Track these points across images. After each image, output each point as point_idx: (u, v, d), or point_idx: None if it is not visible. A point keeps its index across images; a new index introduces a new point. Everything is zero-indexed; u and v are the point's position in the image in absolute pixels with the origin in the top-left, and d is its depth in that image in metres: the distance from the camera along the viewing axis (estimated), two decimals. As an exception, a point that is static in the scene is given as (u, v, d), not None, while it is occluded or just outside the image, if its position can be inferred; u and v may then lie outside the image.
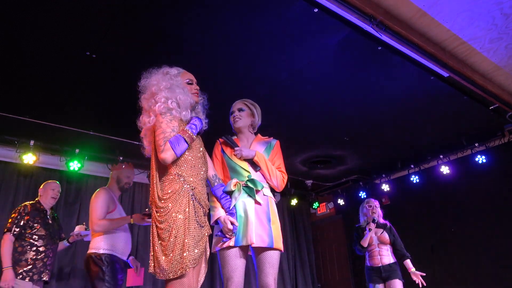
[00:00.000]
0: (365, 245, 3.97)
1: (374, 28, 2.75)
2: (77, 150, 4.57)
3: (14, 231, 3.19)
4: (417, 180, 5.72)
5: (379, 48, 3.11)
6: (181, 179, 1.87)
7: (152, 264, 1.78)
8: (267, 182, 2.42)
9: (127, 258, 3.28)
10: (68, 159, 4.55)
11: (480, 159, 5.04)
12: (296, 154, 5.38)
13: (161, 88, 2.00)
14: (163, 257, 1.74)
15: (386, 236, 3.97)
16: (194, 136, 1.95)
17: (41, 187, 3.60)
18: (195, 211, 1.85)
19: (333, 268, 6.83)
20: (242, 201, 2.27)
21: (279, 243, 2.25)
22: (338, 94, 3.87)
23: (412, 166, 5.80)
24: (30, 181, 4.55)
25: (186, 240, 1.75)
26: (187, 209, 1.81)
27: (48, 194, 3.50)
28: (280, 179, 2.44)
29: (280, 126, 4.48)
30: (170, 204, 1.80)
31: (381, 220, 4.12)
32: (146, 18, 2.73)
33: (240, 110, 2.54)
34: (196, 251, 1.77)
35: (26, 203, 3.42)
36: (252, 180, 2.32)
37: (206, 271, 1.98)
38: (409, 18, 2.87)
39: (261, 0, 2.62)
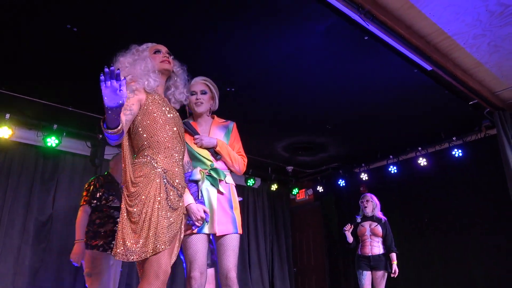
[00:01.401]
0: (350, 241, 4.33)
1: (362, 17, 2.75)
2: (55, 126, 4.46)
3: (92, 203, 3.17)
4: (395, 171, 5.84)
5: (366, 37, 3.12)
6: (153, 161, 1.82)
7: (117, 247, 1.71)
8: (229, 169, 2.42)
9: None
10: (45, 134, 4.44)
11: (457, 152, 5.17)
12: (278, 139, 5.40)
13: (122, 67, 1.92)
14: (132, 239, 1.70)
15: (379, 229, 4.27)
16: (112, 131, 1.64)
17: (111, 160, 3.58)
18: (167, 194, 1.81)
19: (309, 253, 6.96)
20: (205, 189, 2.27)
21: (240, 228, 2.31)
22: (323, 81, 3.87)
23: (391, 157, 5.90)
24: (5, 156, 4.44)
25: (157, 223, 1.72)
26: (158, 192, 1.77)
27: (120, 168, 3.45)
28: (241, 164, 2.43)
29: (263, 111, 4.48)
30: (140, 188, 1.76)
31: (378, 215, 4.40)
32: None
33: (202, 92, 2.40)
34: (168, 233, 1.75)
35: (98, 175, 3.43)
36: (215, 170, 2.32)
37: (178, 251, 1.97)
38: (396, 9, 2.87)
39: (250, -18, 2.58)
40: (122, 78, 1.60)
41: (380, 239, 4.26)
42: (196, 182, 2.20)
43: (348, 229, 4.31)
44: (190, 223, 2.09)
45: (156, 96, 1.96)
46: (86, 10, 2.78)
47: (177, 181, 1.87)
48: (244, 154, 2.49)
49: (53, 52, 3.27)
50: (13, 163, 4.47)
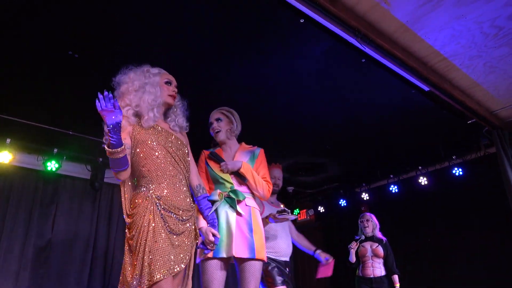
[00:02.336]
0: (352, 261, 4.24)
1: (358, 41, 2.79)
2: (55, 150, 4.47)
3: None
4: (396, 190, 5.82)
5: (363, 60, 3.16)
6: (145, 190, 1.83)
7: (120, 282, 1.75)
8: (252, 193, 2.41)
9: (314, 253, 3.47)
10: (45, 158, 4.45)
11: (457, 171, 5.16)
12: (279, 160, 5.38)
13: (130, 90, 1.94)
14: (131, 272, 1.70)
15: (380, 250, 4.18)
16: (116, 149, 1.71)
17: None
18: (164, 221, 1.78)
19: (311, 274, 6.85)
20: (224, 211, 2.26)
21: (261, 253, 2.24)
22: (321, 103, 3.91)
23: (391, 176, 5.89)
24: (5, 180, 4.43)
25: (154, 252, 1.69)
26: (152, 220, 1.75)
27: None
28: (266, 188, 2.43)
29: (263, 133, 4.49)
30: (136, 219, 1.77)
31: (379, 235, 4.32)
32: (130, 19, 2.70)
33: (218, 120, 2.50)
34: (169, 260, 1.72)
35: None
36: (234, 191, 2.31)
37: (191, 274, 1.93)
38: (392, 32, 2.92)
39: (248, 8, 2.63)
40: (127, 102, 1.78)
41: (381, 260, 4.19)
42: (213, 202, 2.21)
43: (354, 247, 4.21)
44: (202, 247, 2.07)
45: (142, 128, 1.94)
46: (86, 37, 2.83)
47: (172, 205, 1.84)
48: (269, 180, 2.49)
49: (53, 77, 3.30)
50: (13, 188, 4.45)
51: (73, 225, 4.68)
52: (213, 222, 2.13)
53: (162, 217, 1.78)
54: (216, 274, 2.16)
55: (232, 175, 2.38)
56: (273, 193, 3.21)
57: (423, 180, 5.47)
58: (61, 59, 3.04)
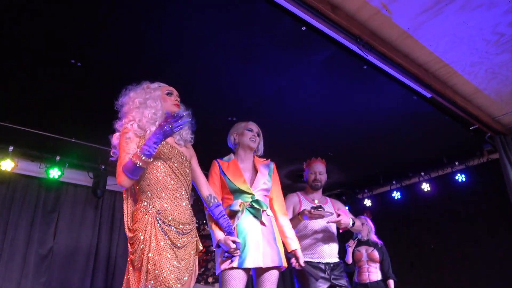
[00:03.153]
0: (349, 262, 4.12)
1: (360, 48, 2.80)
2: (57, 157, 4.48)
3: None
4: (399, 196, 5.80)
5: (365, 67, 3.17)
6: (146, 204, 1.84)
7: None
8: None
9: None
10: (48, 166, 4.45)
11: (460, 177, 5.15)
12: (281, 167, 5.37)
13: (132, 108, 1.97)
14: (134, 285, 1.71)
15: (376, 254, 4.09)
16: (149, 159, 1.78)
17: None
18: (165, 234, 1.79)
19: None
20: (247, 221, 2.26)
21: (285, 261, 2.30)
22: (323, 110, 3.91)
23: (394, 182, 5.88)
24: (8, 188, 4.43)
25: (158, 266, 1.70)
26: (154, 235, 1.76)
27: None
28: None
29: (265, 141, 4.48)
30: (137, 234, 1.78)
31: (374, 238, 4.25)
32: (133, 28, 2.71)
33: (258, 134, 2.63)
34: (173, 273, 1.72)
35: None
36: (257, 201, 2.32)
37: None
38: (394, 39, 2.93)
39: (250, 16, 2.64)
40: (130, 118, 1.89)
41: (377, 265, 4.09)
42: (234, 213, 2.22)
43: (351, 245, 4.12)
44: (229, 256, 2.08)
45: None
46: (88, 45, 2.84)
47: (171, 218, 1.84)
48: (282, 196, 2.63)
49: (55, 85, 3.32)
50: (15, 195, 4.45)
51: (75, 232, 4.66)
52: (230, 229, 2.13)
53: (162, 231, 1.79)
54: (240, 284, 2.14)
55: (256, 188, 2.39)
56: (314, 188, 3.11)
57: (425, 186, 5.45)
58: (64, 67, 3.05)
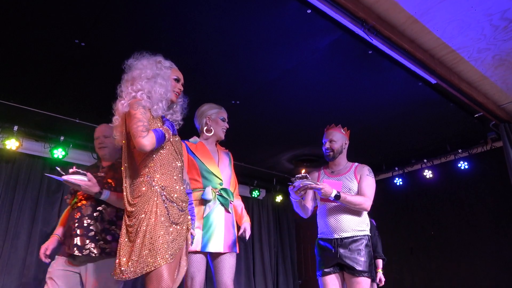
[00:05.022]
0: None
1: (366, 32, 2.77)
2: (62, 138, 4.50)
3: None
4: (401, 183, 5.81)
5: (370, 52, 3.14)
6: (150, 179, 1.85)
7: (115, 267, 1.76)
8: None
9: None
10: (52, 146, 4.49)
11: (463, 165, 5.14)
12: (283, 151, 5.41)
13: (142, 76, 1.97)
14: (128, 257, 1.73)
15: None
16: (170, 137, 1.95)
17: None
18: (167, 210, 1.82)
19: (314, 265, 6.90)
20: (217, 211, 2.36)
21: (238, 247, 2.45)
22: (327, 95, 3.89)
23: (396, 168, 5.88)
24: (12, 167, 4.47)
25: (155, 239, 1.73)
26: (156, 209, 1.78)
27: None
28: None
29: (268, 124, 4.49)
30: (139, 208, 1.79)
31: None
32: (138, 9, 2.69)
33: (226, 121, 2.65)
34: (170, 248, 1.76)
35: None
36: (225, 190, 2.41)
37: (186, 264, 1.98)
38: (400, 24, 2.89)
39: (255, -2, 2.61)
40: (139, 87, 1.96)
41: None
42: (207, 201, 2.26)
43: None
44: None
45: (151, 118, 1.98)
46: (93, 25, 2.83)
47: (176, 196, 1.88)
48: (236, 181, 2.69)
49: (59, 65, 3.32)
50: (20, 175, 4.50)
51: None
52: (192, 218, 2.17)
53: (166, 207, 1.82)
54: (202, 265, 2.27)
55: (220, 171, 2.46)
56: (328, 158, 2.84)
57: (428, 173, 5.45)
58: (68, 47, 3.04)
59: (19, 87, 3.64)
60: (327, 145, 2.84)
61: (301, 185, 2.48)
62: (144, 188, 1.83)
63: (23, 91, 3.72)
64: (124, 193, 1.89)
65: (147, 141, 1.77)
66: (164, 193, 1.84)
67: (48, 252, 2.46)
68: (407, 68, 3.33)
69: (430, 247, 5.42)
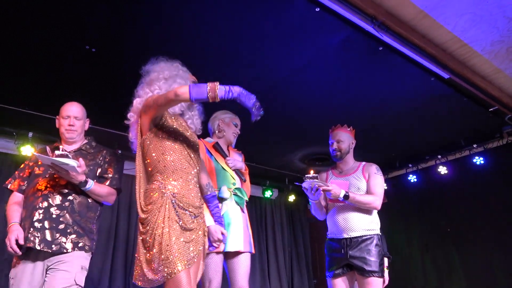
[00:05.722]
0: None
1: (376, 29, 2.75)
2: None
3: None
4: (415, 180, 5.74)
5: (380, 48, 3.10)
6: (162, 186, 1.85)
7: (137, 277, 1.78)
8: None
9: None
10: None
11: (478, 160, 5.06)
12: (295, 150, 5.39)
13: (160, 77, 1.98)
14: (148, 267, 1.74)
15: None
16: (218, 97, 1.75)
17: None
18: (178, 217, 1.81)
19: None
20: (233, 209, 2.38)
21: (253, 247, 2.47)
22: (337, 93, 3.86)
23: (410, 165, 5.81)
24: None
25: (170, 247, 1.73)
26: (167, 217, 1.78)
27: None
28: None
29: (279, 123, 4.48)
30: (151, 215, 1.80)
31: None
32: (148, 14, 2.71)
33: (239, 130, 2.70)
34: (185, 253, 1.77)
35: None
36: (239, 189, 2.45)
37: (203, 268, 1.98)
38: (410, 19, 2.86)
39: (263, -3, 2.61)
40: (156, 87, 1.94)
41: None
42: (223, 200, 2.27)
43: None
44: (208, 245, 2.15)
45: (169, 115, 1.98)
46: (103, 32, 2.86)
47: (187, 202, 1.87)
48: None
49: (71, 71, 3.36)
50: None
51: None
52: (220, 220, 2.23)
53: (177, 214, 1.82)
54: (220, 267, 2.27)
55: (235, 173, 2.52)
56: (335, 159, 2.83)
57: (442, 169, 5.37)
58: (78, 54, 3.08)
59: (33, 94, 3.69)
60: (334, 145, 2.83)
61: (311, 185, 2.48)
62: (155, 195, 1.83)
63: (37, 98, 3.76)
64: (138, 200, 1.89)
65: (182, 90, 1.74)
66: (175, 200, 1.84)
67: (21, 242, 2.04)
68: (419, 64, 3.29)
69: (446, 243, 5.34)
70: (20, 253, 2.02)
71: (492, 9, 2.78)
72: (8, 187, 2.29)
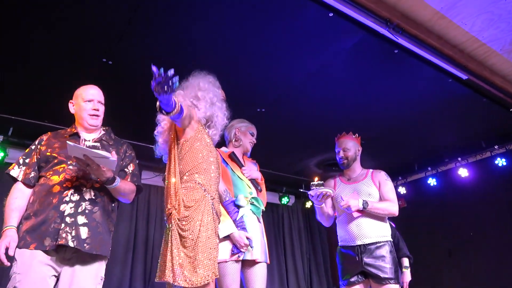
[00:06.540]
0: None
1: (391, 32, 2.72)
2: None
3: None
4: (435, 183, 5.62)
5: (396, 51, 3.07)
6: (203, 188, 1.87)
7: (172, 273, 1.70)
8: None
9: None
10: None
11: (500, 161, 4.93)
12: (311, 156, 5.35)
13: (206, 99, 2.06)
14: (189, 266, 1.71)
15: None
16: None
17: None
18: (213, 222, 1.86)
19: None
20: (250, 218, 2.36)
21: (268, 257, 2.43)
22: (352, 96, 3.83)
23: (429, 168, 5.70)
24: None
25: (212, 251, 1.77)
26: (209, 219, 1.82)
27: None
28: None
29: (293, 129, 4.46)
30: (193, 213, 1.79)
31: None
32: (161, 24, 2.75)
33: (255, 139, 2.68)
34: (217, 262, 1.81)
35: None
36: (256, 199, 2.43)
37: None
38: (426, 20, 2.82)
39: (277, 3, 2.61)
40: (202, 108, 2.03)
41: None
42: (239, 207, 2.31)
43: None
44: (236, 251, 2.13)
45: (202, 127, 2.05)
46: (118, 44, 2.90)
47: (219, 210, 1.98)
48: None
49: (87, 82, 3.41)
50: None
51: (115, 226, 4.82)
52: (243, 225, 2.24)
53: (213, 219, 1.87)
54: (237, 275, 2.25)
55: (251, 183, 2.50)
56: (342, 167, 2.86)
57: (463, 172, 5.25)
58: (95, 65, 3.13)
59: (52, 105, 3.75)
60: (341, 154, 2.85)
61: (317, 193, 2.51)
62: (198, 196, 1.84)
63: (55, 109, 3.81)
64: (179, 194, 1.81)
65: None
66: (214, 205, 1.90)
67: (12, 252, 1.72)
68: (436, 65, 3.24)
69: (469, 249, 5.20)
70: (7, 264, 1.71)
71: (510, 7, 2.73)
72: (12, 174, 1.91)
